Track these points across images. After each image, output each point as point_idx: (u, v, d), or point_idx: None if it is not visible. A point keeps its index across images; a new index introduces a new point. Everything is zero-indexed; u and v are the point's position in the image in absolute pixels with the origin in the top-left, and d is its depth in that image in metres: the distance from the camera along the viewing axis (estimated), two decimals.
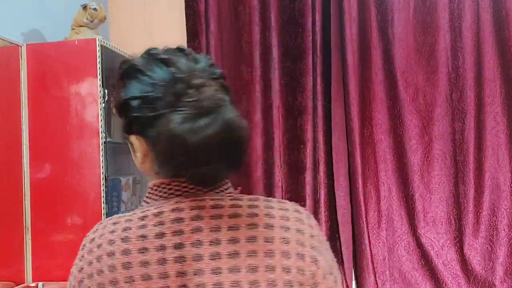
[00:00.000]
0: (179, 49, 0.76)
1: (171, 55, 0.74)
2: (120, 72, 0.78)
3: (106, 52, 2.03)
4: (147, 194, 0.76)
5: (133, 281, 0.68)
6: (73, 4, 2.19)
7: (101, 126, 1.95)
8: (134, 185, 2.54)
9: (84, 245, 0.73)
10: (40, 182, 1.97)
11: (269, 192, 2.53)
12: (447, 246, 2.46)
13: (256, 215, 0.72)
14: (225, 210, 0.72)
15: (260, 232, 0.70)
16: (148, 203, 0.75)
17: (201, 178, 0.71)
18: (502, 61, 2.41)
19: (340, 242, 2.53)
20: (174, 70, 0.71)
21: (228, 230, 0.70)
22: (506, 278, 2.38)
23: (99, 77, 1.95)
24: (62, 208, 1.96)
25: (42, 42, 2.14)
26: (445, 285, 2.41)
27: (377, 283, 2.46)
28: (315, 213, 2.51)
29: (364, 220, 2.47)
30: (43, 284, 1.85)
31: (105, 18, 2.14)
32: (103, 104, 1.97)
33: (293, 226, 0.73)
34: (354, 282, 2.56)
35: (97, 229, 0.74)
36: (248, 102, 2.56)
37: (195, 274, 0.67)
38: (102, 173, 1.94)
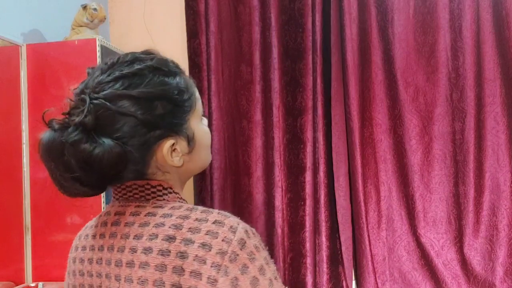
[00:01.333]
0: (118, 57, 0.78)
1: (92, 69, 0.80)
2: None
3: (106, 52, 2.03)
4: None
5: (75, 275, 0.79)
6: (73, 4, 2.19)
7: None
8: None
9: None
10: (40, 182, 1.97)
11: (269, 192, 2.53)
12: (447, 246, 2.46)
13: (162, 225, 0.69)
14: (139, 218, 0.72)
15: (156, 244, 0.68)
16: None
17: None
18: (502, 61, 2.41)
19: (340, 242, 2.53)
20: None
21: (133, 238, 0.70)
22: (506, 278, 2.38)
23: None
24: (62, 208, 1.96)
25: (42, 42, 2.14)
26: (445, 285, 2.41)
27: (377, 283, 2.46)
28: (315, 213, 2.52)
29: (364, 220, 2.47)
30: (43, 284, 1.85)
31: (105, 18, 2.14)
32: None
33: (200, 240, 0.66)
34: (354, 282, 2.56)
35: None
36: (248, 102, 2.56)
37: (106, 277, 0.72)
38: None
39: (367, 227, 2.47)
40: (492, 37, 2.41)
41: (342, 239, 2.52)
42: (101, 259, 0.73)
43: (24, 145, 1.97)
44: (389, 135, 2.52)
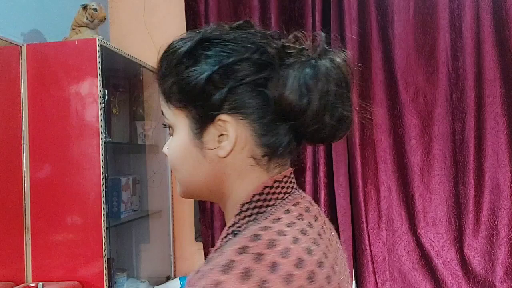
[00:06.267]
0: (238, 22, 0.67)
1: (243, 21, 0.66)
2: (186, 48, 0.63)
3: (106, 52, 2.03)
4: (264, 197, 0.62)
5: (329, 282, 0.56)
6: (73, 4, 2.19)
7: (101, 126, 1.95)
8: (134, 185, 2.54)
9: (313, 273, 0.53)
10: (40, 182, 1.97)
11: None
12: (447, 246, 2.46)
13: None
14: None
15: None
16: (274, 205, 0.62)
17: (333, 130, 0.61)
18: (502, 61, 2.41)
19: (340, 242, 2.52)
20: (260, 29, 0.63)
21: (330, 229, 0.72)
22: (506, 278, 2.38)
23: (99, 77, 1.95)
24: (62, 208, 1.96)
25: (42, 42, 2.15)
26: (445, 285, 2.41)
27: (377, 283, 2.46)
28: None
29: (364, 220, 2.47)
30: (43, 284, 1.84)
31: (105, 18, 2.14)
32: (103, 104, 1.97)
33: None
34: (354, 282, 2.56)
35: (290, 248, 0.54)
36: None
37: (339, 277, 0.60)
38: (102, 173, 1.94)
39: (367, 227, 2.47)
40: (492, 37, 2.41)
41: (342, 239, 2.52)
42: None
43: (24, 145, 1.97)
44: (389, 135, 2.52)
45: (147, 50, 2.69)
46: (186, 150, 0.63)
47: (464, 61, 2.44)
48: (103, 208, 1.93)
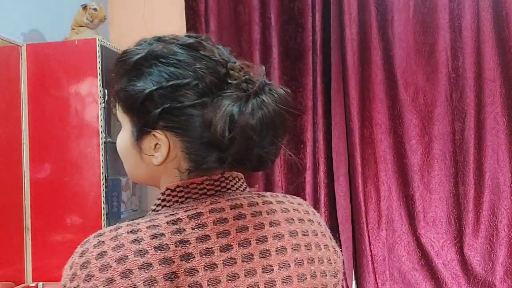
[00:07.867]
0: (194, 36, 0.69)
1: (195, 40, 0.68)
2: (133, 60, 0.67)
3: (106, 52, 2.03)
4: (164, 197, 0.67)
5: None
6: (73, 4, 2.19)
7: (101, 126, 1.95)
8: (134, 185, 2.54)
9: (88, 262, 0.58)
10: (40, 182, 1.97)
11: (269, 192, 2.53)
12: (447, 246, 2.46)
13: (287, 210, 0.72)
14: (261, 207, 0.69)
15: (296, 226, 0.70)
16: (170, 206, 0.66)
17: (258, 163, 0.67)
18: (502, 61, 2.41)
19: (340, 242, 2.53)
20: (207, 53, 0.66)
21: (271, 226, 0.68)
22: (506, 278, 2.38)
23: (99, 77, 1.95)
24: (62, 208, 1.96)
25: (42, 42, 2.15)
26: (445, 285, 2.41)
27: (377, 283, 2.46)
28: None
29: (364, 220, 2.47)
30: (43, 284, 1.85)
31: (105, 18, 2.15)
32: (103, 104, 1.97)
33: (314, 218, 0.74)
34: (354, 282, 2.56)
35: (100, 241, 0.60)
36: None
37: (246, 276, 0.63)
38: (102, 173, 1.94)
39: (367, 227, 2.47)
40: (492, 37, 2.41)
41: (342, 239, 2.52)
42: (232, 258, 0.63)
43: (24, 145, 1.97)
44: (389, 135, 2.52)
45: None
46: (128, 150, 0.71)
47: (464, 61, 2.44)
48: (103, 208, 1.93)
